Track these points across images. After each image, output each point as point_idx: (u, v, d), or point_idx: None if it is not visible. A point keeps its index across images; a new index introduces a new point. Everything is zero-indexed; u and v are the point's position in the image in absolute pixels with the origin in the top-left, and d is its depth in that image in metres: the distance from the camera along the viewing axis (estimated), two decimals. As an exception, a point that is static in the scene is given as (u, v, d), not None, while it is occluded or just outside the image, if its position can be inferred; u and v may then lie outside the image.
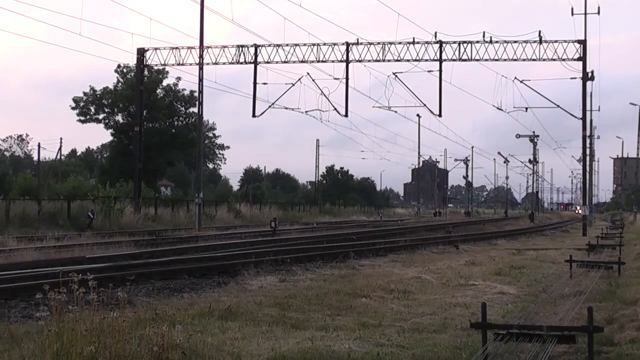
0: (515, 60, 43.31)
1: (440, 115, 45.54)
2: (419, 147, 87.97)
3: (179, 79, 64.94)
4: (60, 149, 77.38)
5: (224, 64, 45.37)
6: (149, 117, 61.84)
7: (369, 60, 44.53)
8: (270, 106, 46.57)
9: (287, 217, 58.92)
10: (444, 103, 45.39)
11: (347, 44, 44.44)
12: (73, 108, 66.42)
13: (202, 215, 41.08)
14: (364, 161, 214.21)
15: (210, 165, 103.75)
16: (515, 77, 45.70)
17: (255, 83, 45.33)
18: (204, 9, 40.40)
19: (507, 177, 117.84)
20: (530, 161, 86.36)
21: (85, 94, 65.97)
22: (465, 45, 43.66)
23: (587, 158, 56.35)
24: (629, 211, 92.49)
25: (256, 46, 45.05)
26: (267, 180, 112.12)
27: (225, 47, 45.58)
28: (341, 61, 44.53)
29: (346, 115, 45.36)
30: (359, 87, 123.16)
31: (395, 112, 48.30)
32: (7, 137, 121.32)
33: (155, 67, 57.81)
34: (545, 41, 43.10)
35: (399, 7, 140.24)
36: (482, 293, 13.93)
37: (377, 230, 42.82)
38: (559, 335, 7.84)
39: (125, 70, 63.73)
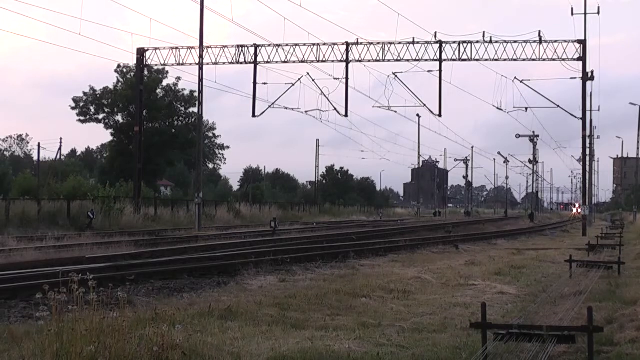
0: (515, 60, 43.37)
1: (440, 115, 45.65)
2: (419, 147, 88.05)
3: (178, 79, 65.08)
4: (60, 149, 77.22)
5: (224, 64, 45.42)
6: (149, 117, 61.86)
7: (369, 60, 44.55)
8: (270, 106, 46.65)
9: (287, 217, 58.88)
10: (444, 103, 45.54)
11: (347, 44, 44.43)
12: (73, 108, 66.56)
13: (202, 215, 41.09)
14: (364, 161, 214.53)
15: (210, 165, 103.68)
16: (515, 77, 45.76)
17: (255, 83, 45.38)
18: (204, 9, 40.51)
19: (507, 177, 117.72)
20: (530, 161, 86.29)
21: (85, 94, 66.11)
22: (465, 45, 43.69)
23: (587, 158, 56.32)
24: (629, 211, 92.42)
25: (256, 46, 45.05)
26: (267, 180, 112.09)
27: (225, 47, 45.60)
28: (341, 61, 44.55)
29: (346, 115, 45.45)
30: (359, 87, 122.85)
31: (395, 112, 48.36)
32: (7, 137, 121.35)
33: (155, 67, 57.96)
34: (545, 41, 43.14)
35: (398, 7, 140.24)
36: (482, 293, 13.93)
37: (377, 230, 42.80)
38: (558, 335, 7.84)
39: (125, 70, 63.82)
